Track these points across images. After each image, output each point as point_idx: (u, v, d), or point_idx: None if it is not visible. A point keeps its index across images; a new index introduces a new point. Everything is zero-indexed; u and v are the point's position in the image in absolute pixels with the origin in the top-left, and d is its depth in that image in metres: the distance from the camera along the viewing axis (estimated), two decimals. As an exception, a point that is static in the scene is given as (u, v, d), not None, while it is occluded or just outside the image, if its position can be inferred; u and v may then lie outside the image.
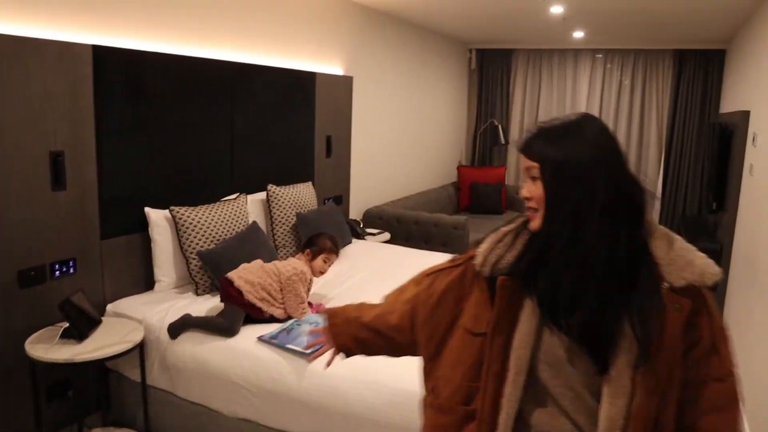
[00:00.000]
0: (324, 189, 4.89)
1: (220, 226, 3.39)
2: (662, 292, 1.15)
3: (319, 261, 3.19)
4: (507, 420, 1.23)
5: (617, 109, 7.54)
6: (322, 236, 3.26)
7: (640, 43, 7.16)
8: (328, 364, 1.69)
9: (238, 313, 2.91)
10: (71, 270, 2.97)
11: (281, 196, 3.96)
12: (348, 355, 1.64)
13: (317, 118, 4.70)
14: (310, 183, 4.37)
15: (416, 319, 1.44)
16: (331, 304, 3.23)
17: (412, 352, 1.50)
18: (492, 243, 1.30)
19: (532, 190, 1.21)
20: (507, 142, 7.73)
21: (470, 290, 1.34)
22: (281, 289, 3.00)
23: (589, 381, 1.19)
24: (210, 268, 3.18)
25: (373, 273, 3.74)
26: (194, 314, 2.92)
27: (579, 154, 1.16)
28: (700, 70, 6.96)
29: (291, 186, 4.13)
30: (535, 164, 1.19)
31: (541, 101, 7.88)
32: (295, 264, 3.10)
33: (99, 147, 3.03)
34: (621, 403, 1.14)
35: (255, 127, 4.05)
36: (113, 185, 3.13)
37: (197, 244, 3.28)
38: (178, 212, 3.26)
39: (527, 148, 1.22)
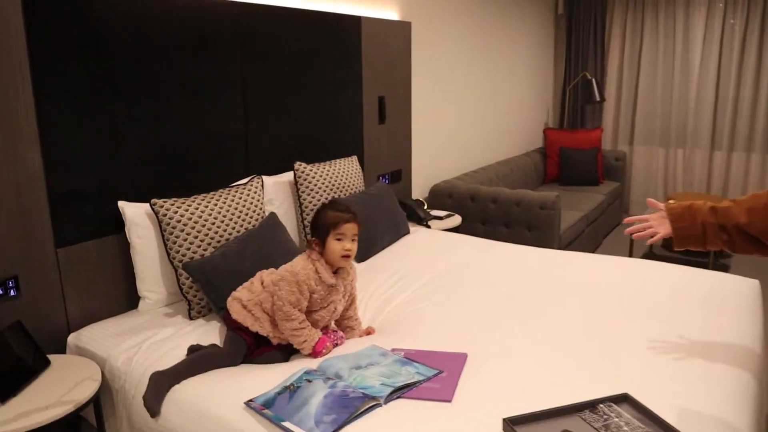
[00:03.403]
0: (377, 163, 3.93)
1: (223, 222, 2.50)
2: None
3: (332, 245, 2.11)
4: None
5: (740, 65, 6.12)
6: (321, 213, 2.17)
7: (774, -32, 5.73)
8: (653, 241, 1.86)
9: (240, 343, 2.07)
10: (12, 291, 2.16)
11: (313, 177, 3.03)
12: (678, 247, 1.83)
13: (365, 75, 3.72)
14: (354, 157, 3.41)
15: None
16: (381, 327, 2.30)
17: None
18: None
19: None
20: (603, 98, 6.48)
21: None
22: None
23: None
24: (202, 287, 2.30)
25: (440, 278, 2.76)
26: (166, 365, 2.04)
27: None
28: None
29: (327, 163, 3.18)
30: None
31: (644, 52, 6.55)
32: (290, 264, 2.15)
33: (41, 122, 2.18)
34: None
35: (279, 89, 3.12)
36: (69, 174, 2.28)
37: (188, 249, 2.40)
38: (162, 207, 2.39)
39: None
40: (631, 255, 4.52)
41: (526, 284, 2.63)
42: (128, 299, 2.53)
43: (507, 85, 5.90)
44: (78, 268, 2.35)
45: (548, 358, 1.96)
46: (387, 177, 4.03)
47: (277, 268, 2.26)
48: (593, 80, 6.39)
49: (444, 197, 4.48)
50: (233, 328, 2.10)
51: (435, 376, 1.81)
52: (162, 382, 1.92)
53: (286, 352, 2.08)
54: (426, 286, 2.65)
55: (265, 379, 1.87)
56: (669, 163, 6.70)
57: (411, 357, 1.94)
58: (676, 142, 6.60)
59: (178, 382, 1.93)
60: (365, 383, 1.75)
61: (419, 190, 4.59)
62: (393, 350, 2.01)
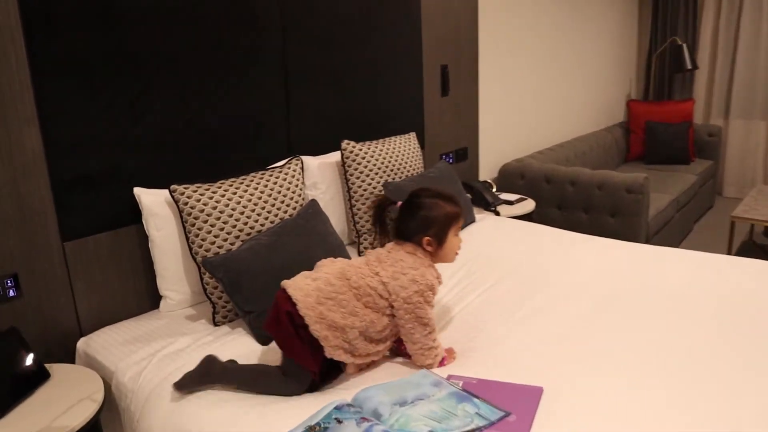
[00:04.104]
0: (440, 141, 3.50)
1: (254, 211, 2.15)
2: None
3: (453, 242, 1.80)
4: None
5: None
6: (434, 206, 1.76)
7: None
8: None
9: (306, 378, 1.64)
10: (11, 292, 1.88)
11: (363, 157, 2.63)
12: None
13: (425, 42, 3.29)
14: (412, 134, 3.00)
15: None
16: (442, 340, 1.88)
17: None
18: None
19: None
20: (695, 66, 5.79)
21: None
22: (387, 323, 1.70)
23: None
24: (224, 287, 1.95)
25: (509, 280, 2.33)
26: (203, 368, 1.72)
27: None
28: None
29: (380, 141, 2.78)
30: None
31: (745, 11, 5.80)
32: (411, 270, 1.71)
33: (40, 98, 1.87)
34: None
35: (326, 58, 2.73)
36: (75, 157, 1.98)
37: (213, 243, 2.06)
38: (182, 194, 2.05)
39: None
40: (730, 245, 3.95)
41: (617, 292, 2.15)
42: (151, 297, 2.23)
43: (585, 51, 5.32)
44: (89, 263, 2.05)
45: (650, 398, 1.52)
46: (451, 156, 3.60)
47: (312, 265, 1.87)
48: (684, 46, 5.72)
49: (515, 178, 4.02)
50: (297, 360, 1.61)
51: (501, 419, 1.40)
52: (205, 375, 1.66)
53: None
54: (492, 290, 2.22)
55: (287, 412, 1.51)
56: (771, 138, 5.96)
57: (471, 390, 1.54)
58: (780, 114, 5.86)
59: (222, 384, 1.66)
60: (409, 428, 1.36)
61: (487, 170, 4.14)
62: (449, 378, 1.61)
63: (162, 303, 2.18)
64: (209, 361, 1.69)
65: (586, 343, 1.79)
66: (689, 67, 5.73)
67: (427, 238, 1.75)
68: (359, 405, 1.48)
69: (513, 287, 2.23)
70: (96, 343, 1.98)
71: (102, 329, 2.07)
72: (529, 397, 1.50)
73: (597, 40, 5.48)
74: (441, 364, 1.73)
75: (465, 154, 3.73)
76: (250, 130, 2.47)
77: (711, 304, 2.01)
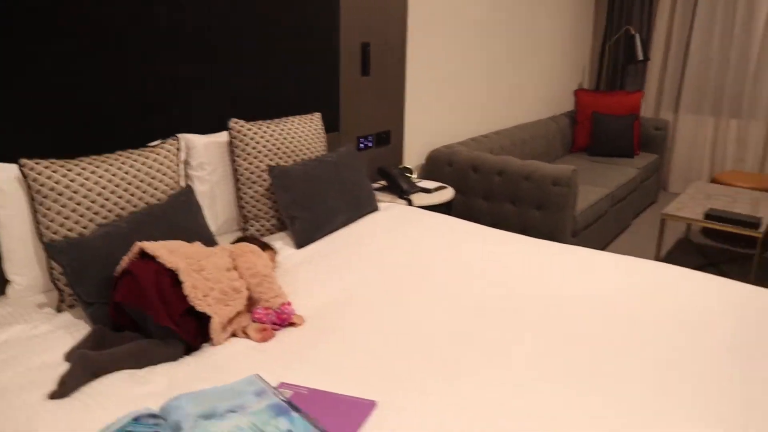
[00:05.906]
0: (358, 123, 3.35)
1: (114, 193, 1.98)
2: None
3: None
4: None
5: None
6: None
7: None
8: None
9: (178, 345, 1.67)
10: None
11: (252, 138, 2.47)
12: None
13: (343, 14, 3.11)
14: (316, 115, 2.83)
15: None
16: (285, 337, 1.78)
17: None
18: None
19: None
20: (647, 58, 5.69)
21: None
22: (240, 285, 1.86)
23: None
24: (68, 275, 1.78)
25: (391, 273, 2.19)
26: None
27: None
28: None
29: (274, 121, 2.61)
30: None
31: (701, 4, 5.71)
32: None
33: None
34: None
35: (220, 23, 2.55)
36: None
37: (62, 225, 1.89)
38: (32, 169, 1.88)
39: None
40: (659, 244, 3.86)
41: (509, 294, 2.02)
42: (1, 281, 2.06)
43: (536, 34, 5.18)
44: (-77, 242, 1.87)
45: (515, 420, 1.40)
46: (371, 139, 3.45)
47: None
48: (637, 36, 5.61)
49: (443, 165, 3.88)
50: (167, 327, 1.64)
51: (313, 439, 1.28)
52: (87, 369, 1.51)
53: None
54: (367, 283, 2.08)
55: (95, 412, 1.36)
56: (719, 135, 5.91)
57: (298, 402, 1.40)
58: (730, 111, 5.80)
59: (108, 371, 1.55)
60: (205, 447, 1.23)
61: (415, 155, 3.99)
62: (281, 386, 1.48)
63: (8, 288, 2.00)
64: (83, 356, 1.53)
65: (452, 350, 1.67)
66: (641, 58, 5.63)
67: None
68: (165, 415, 1.34)
69: (393, 281, 2.09)
70: None
71: (-64, 315, 1.89)
72: (358, 412, 1.37)
73: (550, 23, 5.34)
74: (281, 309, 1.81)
75: (387, 138, 3.58)
76: (130, 102, 2.28)
77: (621, 314, 1.90)
